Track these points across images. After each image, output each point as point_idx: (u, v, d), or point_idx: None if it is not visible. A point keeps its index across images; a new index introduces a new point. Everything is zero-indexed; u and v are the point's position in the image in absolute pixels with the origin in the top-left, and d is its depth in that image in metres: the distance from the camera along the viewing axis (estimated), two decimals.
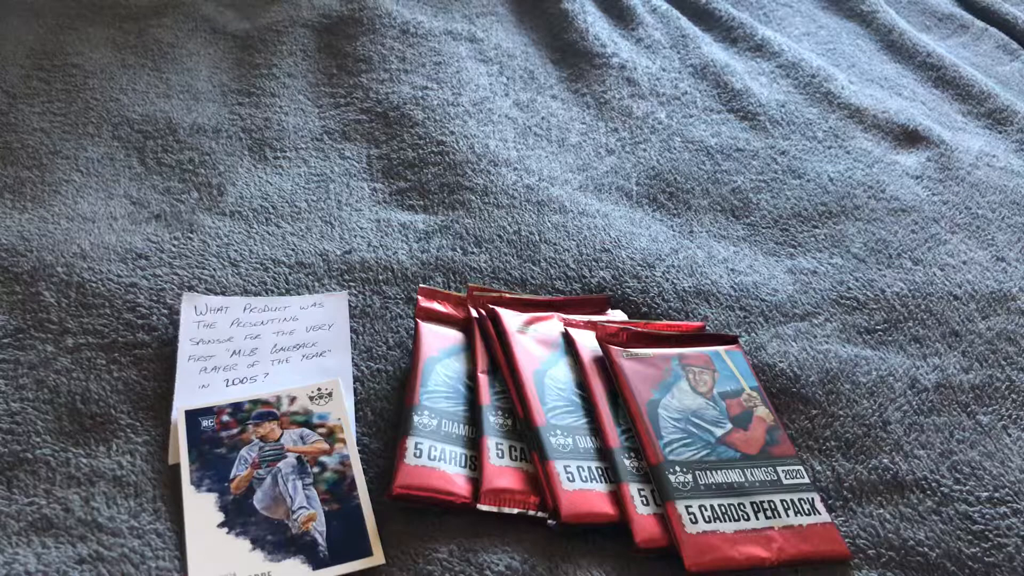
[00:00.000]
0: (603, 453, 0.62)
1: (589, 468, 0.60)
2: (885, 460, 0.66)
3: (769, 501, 0.61)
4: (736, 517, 0.59)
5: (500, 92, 1.01)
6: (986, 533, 0.61)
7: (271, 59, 1.00)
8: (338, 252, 0.77)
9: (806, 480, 0.63)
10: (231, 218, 0.79)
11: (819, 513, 0.61)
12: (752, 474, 0.62)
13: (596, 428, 0.63)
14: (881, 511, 0.63)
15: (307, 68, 1.00)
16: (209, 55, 1.00)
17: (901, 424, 0.68)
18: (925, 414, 0.70)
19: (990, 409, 0.71)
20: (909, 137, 1.04)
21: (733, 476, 0.62)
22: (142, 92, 0.92)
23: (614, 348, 0.67)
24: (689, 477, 0.60)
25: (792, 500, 0.61)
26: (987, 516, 0.62)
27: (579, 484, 0.59)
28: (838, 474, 0.65)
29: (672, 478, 0.60)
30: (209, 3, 1.08)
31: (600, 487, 0.60)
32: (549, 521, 0.58)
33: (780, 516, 0.60)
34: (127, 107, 0.90)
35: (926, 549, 0.60)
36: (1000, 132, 1.08)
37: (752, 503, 0.60)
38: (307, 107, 0.95)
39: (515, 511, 0.58)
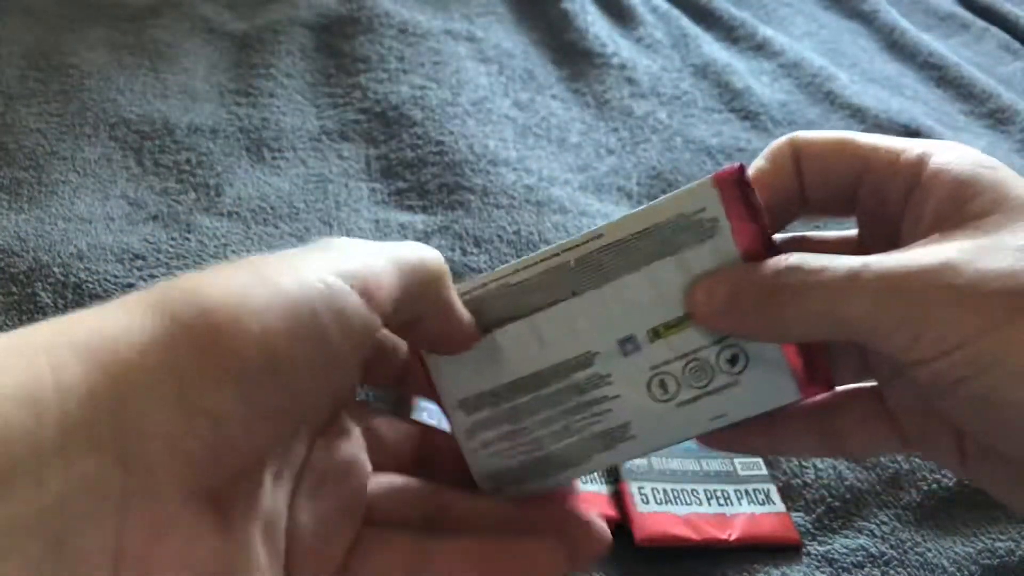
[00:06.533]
0: None
1: None
2: (884, 459, 0.65)
3: (723, 490, 0.61)
4: (688, 502, 0.59)
5: (499, 92, 1.01)
6: (984, 535, 0.61)
7: (269, 59, 0.99)
8: None
9: (763, 472, 0.63)
10: (229, 219, 0.79)
11: (774, 503, 0.61)
12: (708, 464, 0.62)
13: None
14: (882, 510, 0.62)
15: (305, 68, 1.00)
16: (207, 55, 1.00)
17: None
18: None
19: None
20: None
21: (689, 465, 0.62)
22: (139, 92, 0.92)
23: None
24: (644, 461, 0.61)
25: (747, 490, 0.61)
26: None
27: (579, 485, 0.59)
28: (839, 472, 0.64)
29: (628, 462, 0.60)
30: (207, 3, 1.07)
31: (600, 488, 0.59)
32: None
33: (733, 504, 0.60)
34: (124, 107, 0.90)
35: (924, 549, 0.60)
36: (1002, 132, 1.08)
37: (706, 491, 0.60)
38: (305, 107, 0.94)
39: None
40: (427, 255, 0.36)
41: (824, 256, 0.33)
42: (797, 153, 0.40)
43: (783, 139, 0.41)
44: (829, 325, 0.34)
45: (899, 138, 0.39)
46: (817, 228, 0.46)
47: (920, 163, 0.36)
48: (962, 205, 0.34)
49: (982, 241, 0.32)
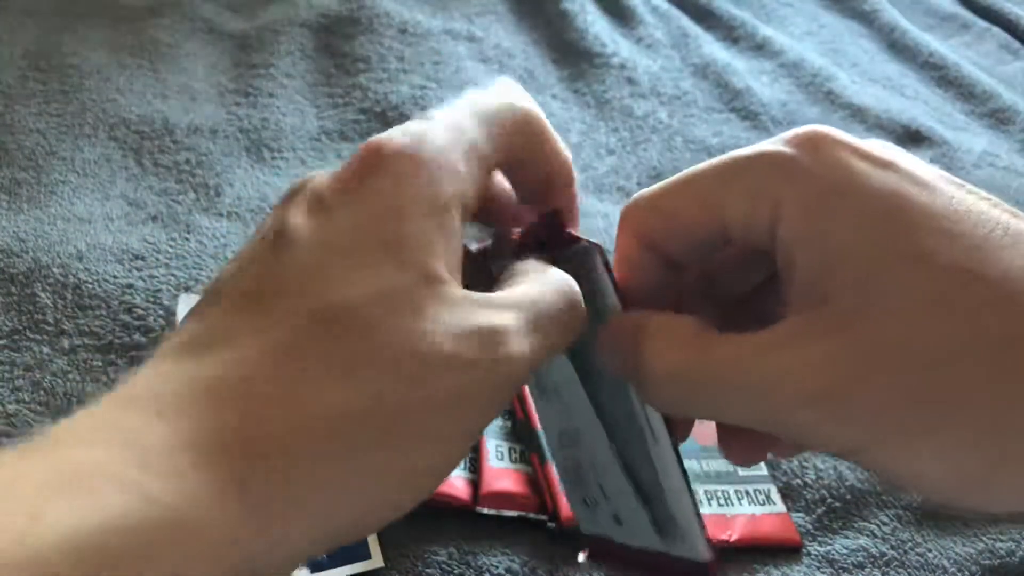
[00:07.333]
0: None
1: None
2: None
3: (723, 491, 0.61)
4: None
5: None
6: (984, 535, 0.61)
7: (269, 59, 0.99)
8: None
9: (763, 472, 0.63)
10: (228, 219, 0.79)
11: (774, 504, 0.61)
12: (708, 464, 0.62)
13: None
14: (882, 511, 0.62)
15: (305, 68, 1.00)
16: (207, 55, 1.00)
17: None
18: None
19: None
20: (912, 137, 1.03)
21: (689, 465, 0.62)
22: (139, 93, 0.92)
23: None
24: None
25: (747, 491, 0.61)
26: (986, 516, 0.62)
27: None
28: (839, 473, 0.64)
29: None
30: (207, 3, 1.07)
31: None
32: (548, 523, 0.57)
33: (733, 505, 0.60)
34: (124, 108, 0.89)
35: (925, 549, 0.60)
36: (1003, 132, 1.08)
37: (706, 491, 0.60)
38: (305, 107, 0.94)
39: (515, 514, 0.58)
40: (518, 103, 0.38)
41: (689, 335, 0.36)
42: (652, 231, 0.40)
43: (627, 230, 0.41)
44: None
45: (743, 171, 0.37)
46: None
47: (771, 223, 0.34)
48: (823, 277, 0.33)
49: (852, 343, 0.31)
